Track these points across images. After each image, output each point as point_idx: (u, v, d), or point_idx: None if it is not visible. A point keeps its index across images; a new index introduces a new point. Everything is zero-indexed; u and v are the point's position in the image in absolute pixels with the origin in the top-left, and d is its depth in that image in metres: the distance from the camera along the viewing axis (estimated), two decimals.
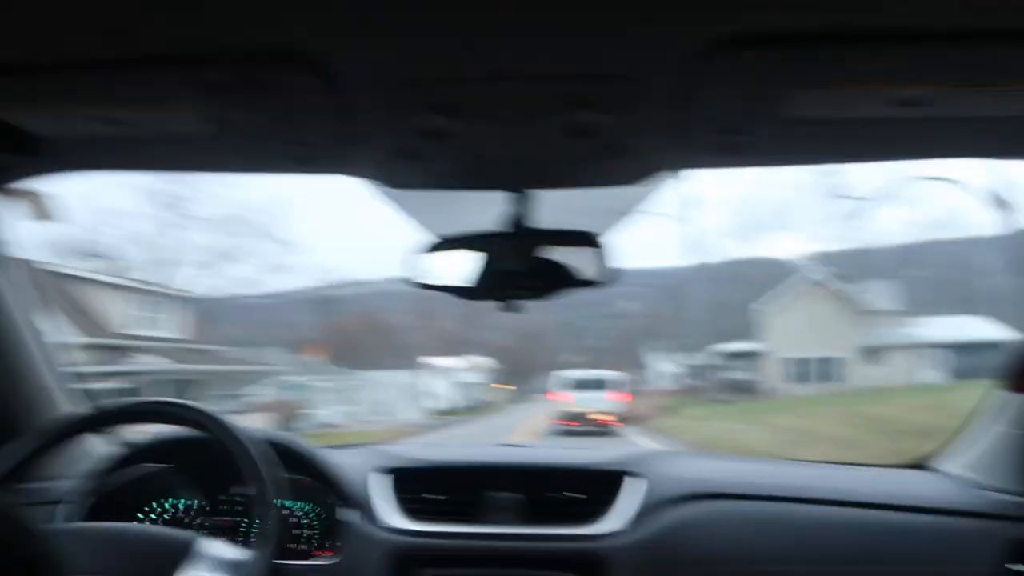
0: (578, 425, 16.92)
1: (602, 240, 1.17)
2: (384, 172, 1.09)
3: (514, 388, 44.37)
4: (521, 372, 46.38)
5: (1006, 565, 1.35)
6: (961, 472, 1.55)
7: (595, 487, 1.48)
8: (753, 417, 17.82)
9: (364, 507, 1.46)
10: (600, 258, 1.17)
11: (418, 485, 1.52)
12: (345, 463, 1.55)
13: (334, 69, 0.83)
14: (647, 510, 1.43)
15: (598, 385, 18.29)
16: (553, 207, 1.21)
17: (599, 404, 17.53)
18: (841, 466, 1.76)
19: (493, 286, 1.19)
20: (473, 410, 31.37)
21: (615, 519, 1.43)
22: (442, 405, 29.72)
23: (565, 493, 1.49)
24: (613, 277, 1.15)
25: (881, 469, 1.72)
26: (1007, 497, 1.44)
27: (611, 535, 1.40)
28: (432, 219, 1.28)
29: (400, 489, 1.50)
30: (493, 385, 41.91)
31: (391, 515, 1.45)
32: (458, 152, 1.02)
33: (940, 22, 0.78)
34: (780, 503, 1.46)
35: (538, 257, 1.19)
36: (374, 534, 1.43)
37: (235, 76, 0.82)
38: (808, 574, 1.39)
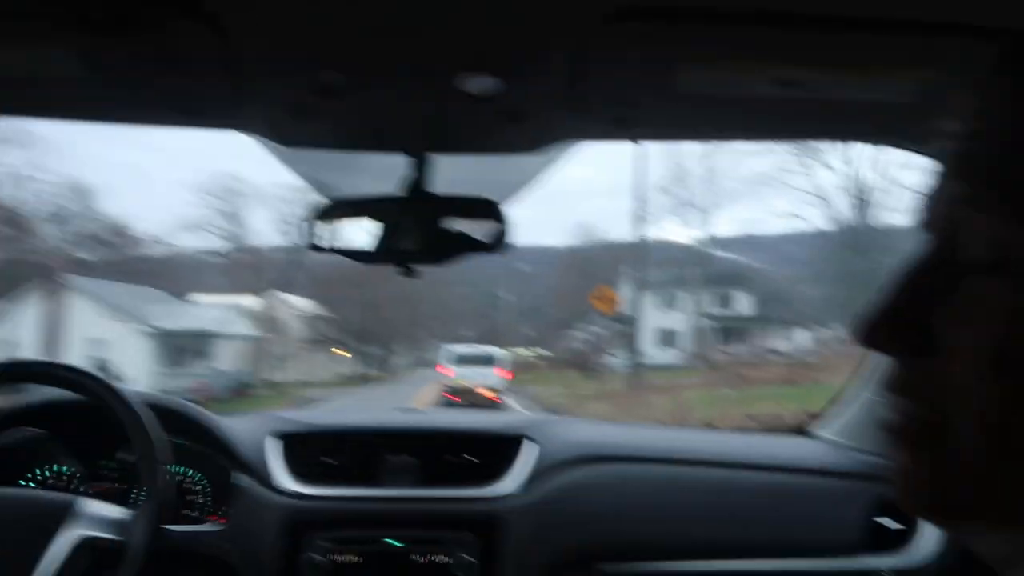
0: (463, 400, 17.03)
1: (500, 208, 1.18)
2: (276, 129, 1.05)
3: (352, 355, 30.13)
4: (378, 338, 32.52)
5: (874, 519, 1.46)
6: (836, 437, 1.66)
7: (490, 451, 1.51)
8: None
9: (257, 472, 1.45)
10: (497, 226, 1.17)
11: (314, 450, 1.51)
12: (238, 428, 1.53)
13: (223, 16, 0.79)
14: (540, 473, 1.47)
15: (487, 361, 18.47)
16: (452, 173, 1.20)
17: (486, 380, 17.64)
18: (723, 432, 1.85)
19: (390, 250, 1.18)
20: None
21: (510, 481, 1.46)
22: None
23: (462, 456, 1.51)
24: (508, 245, 1.16)
25: (762, 434, 1.82)
26: (875, 459, 1.55)
27: (507, 496, 1.44)
28: (328, 180, 1.25)
29: (295, 454, 1.49)
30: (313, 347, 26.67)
31: (285, 479, 1.44)
32: (353, 111, 1.00)
33: (821, 7, 0.81)
34: (665, 465, 1.53)
35: (436, 222, 1.19)
36: (267, 498, 1.42)
37: (113, 12, 0.76)
38: (691, 532, 1.46)
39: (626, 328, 22.33)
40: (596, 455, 1.51)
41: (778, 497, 1.50)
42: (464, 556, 1.37)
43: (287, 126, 1.03)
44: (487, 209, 1.18)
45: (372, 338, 31.95)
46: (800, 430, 1.75)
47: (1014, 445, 0.35)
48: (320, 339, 28.51)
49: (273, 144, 1.10)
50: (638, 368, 20.09)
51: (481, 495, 1.45)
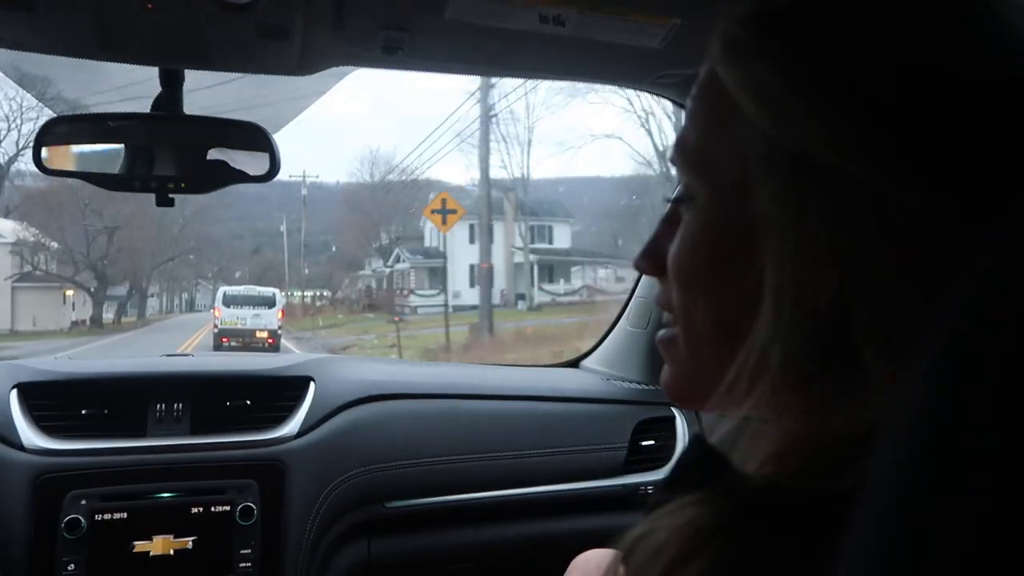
0: (237, 343, 16.77)
1: (269, 135, 1.11)
2: None
3: (93, 295, 23.57)
4: (129, 276, 26.42)
5: (636, 441, 1.61)
6: (604, 368, 1.80)
7: (267, 394, 1.46)
8: None
9: None
10: (266, 154, 1.11)
11: (69, 401, 1.37)
12: None
13: None
14: (320, 414, 1.44)
15: (261, 302, 18.16)
16: (218, 96, 1.11)
17: (261, 321, 17.42)
18: (503, 367, 1.93)
19: (143, 176, 1.07)
20: None
21: (290, 424, 1.42)
22: None
23: (238, 401, 1.45)
24: (275, 174, 1.10)
25: (540, 368, 1.92)
26: (636, 386, 1.70)
27: (287, 439, 1.40)
28: (64, 92, 1.11)
29: (46, 406, 1.35)
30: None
31: (32, 435, 1.30)
32: (86, 10, 0.88)
33: None
34: (447, 400, 1.56)
35: (197, 147, 1.10)
36: (12, 458, 1.27)
37: None
38: (472, 464, 1.52)
39: (437, 263, 20.24)
40: (377, 393, 1.51)
41: (557, 422, 1.59)
42: (246, 503, 1.33)
43: (4, 22, 0.89)
44: (255, 135, 1.11)
45: (119, 276, 26.07)
46: (573, 363, 1.88)
47: (694, 344, 0.43)
48: (44, 275, 22.69)
49: None
50: (453, 310, 19.25)
51: (259, 439, 1.40)
